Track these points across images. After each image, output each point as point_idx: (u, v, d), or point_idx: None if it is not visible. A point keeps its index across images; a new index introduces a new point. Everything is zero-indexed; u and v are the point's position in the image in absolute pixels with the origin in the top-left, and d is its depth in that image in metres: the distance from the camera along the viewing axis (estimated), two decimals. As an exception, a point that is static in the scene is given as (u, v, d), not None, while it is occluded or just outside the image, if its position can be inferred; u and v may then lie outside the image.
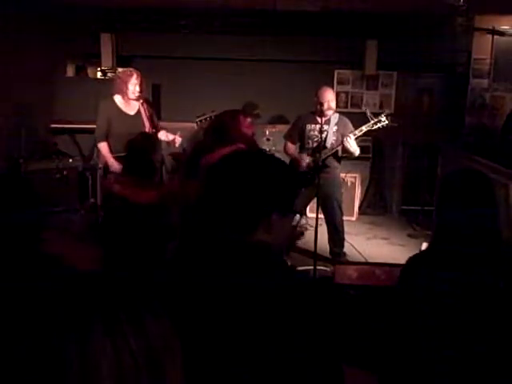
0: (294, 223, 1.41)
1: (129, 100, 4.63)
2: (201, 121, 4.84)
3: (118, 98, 4.65)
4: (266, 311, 1.19)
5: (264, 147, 6.00)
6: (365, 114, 5.07)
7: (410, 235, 6.02)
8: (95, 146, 5.46)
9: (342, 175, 5.64)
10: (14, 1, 5.97)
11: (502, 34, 6.52)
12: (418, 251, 2.00)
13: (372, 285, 3.72)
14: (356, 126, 4.88)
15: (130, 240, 3.27)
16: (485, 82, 6.76)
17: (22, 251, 1.85)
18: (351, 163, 6.03)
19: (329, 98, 4.84)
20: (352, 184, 6.66)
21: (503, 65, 6.61)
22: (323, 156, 4.79)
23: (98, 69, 7.17)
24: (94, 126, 4.72)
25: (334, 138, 4.88)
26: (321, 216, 4.76)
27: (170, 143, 4.77)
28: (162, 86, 6.99)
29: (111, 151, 4.63)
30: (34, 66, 6.39)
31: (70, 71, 7.52)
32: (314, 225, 4.62)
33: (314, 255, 4.52)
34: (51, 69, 6.85)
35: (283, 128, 5.28)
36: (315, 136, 4.91)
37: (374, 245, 5.77)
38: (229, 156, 1.41)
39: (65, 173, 6.41)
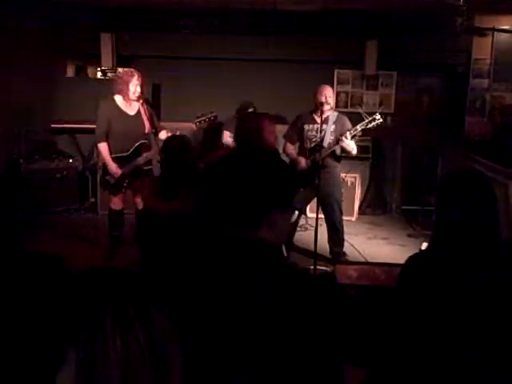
0: (293, 220, 1.45)
1: (129, 100, 4.63)
2: (200, 122, 4.84)
3: (118, 98, 4.65)
4: (270, 307, 1.20)
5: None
6: (361, 108, 5.08)
7: (410, 235, 6.02)
8: (95, 145, 5.46)
9: (342, 175, 5.64)
10: (14, 1, 5.97)
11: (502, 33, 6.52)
12: (417, 251, 2.00)
13: (372, 285, 3.72)
14: (355, 126, 4.89)
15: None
16: (485, 82, 6.76)
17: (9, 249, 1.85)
18: (351, 163, 6.03)
19: (326, 94, 4.84)
20: (352, 184, 6.65)
21: (503, 65, 6.61)
22: (322, 155, 4.79)
23: (98, 69, 7.17)
24: (94, 126, 4.71)
25: (332, 138, 4.87)
26: (321, 216, 4.75)
27: None
28: (162, 85, 7.00)
29: (111, 151, 4.63)
30: (34, 66, 6.39)
31: (70, 71, 7.52)
32: (314, 225, 4.62)
33: (314, 255, 4.52)
34: (51, 69, 6.85)
35: (283, 128, 5.27)
36: (313, 136, 4.91)
37: (374, 245, 5.76)
38: (231, 155, 1.42)
39: (65, 173, 6.42)
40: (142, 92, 4.65)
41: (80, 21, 6.55)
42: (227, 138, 6.11)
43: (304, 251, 5.27)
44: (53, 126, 6.64)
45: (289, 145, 5.12)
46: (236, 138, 3.63)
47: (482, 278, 1.65)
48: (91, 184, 6.62)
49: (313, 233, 4.67)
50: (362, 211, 6.92)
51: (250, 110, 6.05)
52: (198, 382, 1.22)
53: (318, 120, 4.83)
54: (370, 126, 4.77)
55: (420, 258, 1.84)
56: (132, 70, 4.78)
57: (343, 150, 4.88)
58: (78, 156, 6.74)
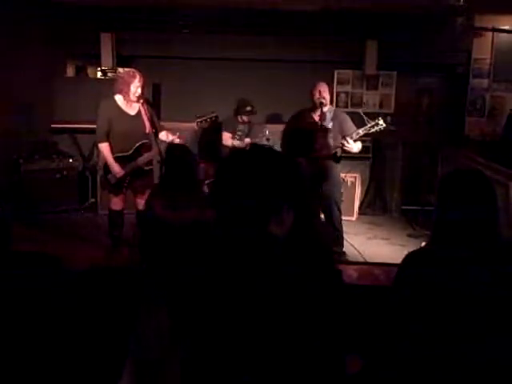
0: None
1: (130, 101, 4.62)
2: (201, 121, 4.83)
3: (118, 98, 4.65)
4: (273, 303, 1.21)
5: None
6: (364, 114, 5.04)
7: (409, 235, 6.01)
8: (95, 145, 5.46)
9: (342, 175, 5.63)
10: (14, 1, 5.98)
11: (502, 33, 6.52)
12: (417, 251, 2.00)
13: (372, 285, 3.72)
14: (356, 127, 4.87)
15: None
16: (485, 82, 6.76)
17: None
18: (351, 163, 6.03)
19: (320, 90, 4.80)
20: (352, 184, 6.65)
21: (503, 65, 6.61)
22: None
23: (98, 69, 7.16)
24: (94, 126, 4.70)
25: (331, 135, 4.84)
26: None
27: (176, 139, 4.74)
28: (162, 85, 7.00)
29: (112, 151, 4.62)
30: (34, 66, 6.39)
31: (70, 71, 7.52)
32: (314, 225, 4.62)
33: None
34: (51, 69, 6.85)
35: (283, 128, 5.27)
36: None
37: (374, 245, 5.76)
38: (242, 152, 1.44)
39: (65, 173, 6.41)
40: (142, 93, 4.64)
41: (80, 21, 6.55)
42: (227, 139, 6.11)
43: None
44: (53, 126, 6.64)
45: None
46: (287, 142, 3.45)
47: (482, 276, 1.65)
48: (91, 184, 6.62)
49: (313, 233, 4.67)
50: (362, 211, 6.92)
51: (248, 108, 6.05)
52: (198, 381, 1.23)
53: (317, 118, 4.82)
54: (372, 130, 4.71)
55: (418, 256, 1.84)
56: (134, 70, 4.76)
57: (346, 150, 4.85)
58: (78, 156, 6.74)
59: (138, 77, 4.56)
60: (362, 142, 4.98)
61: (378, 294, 3.41)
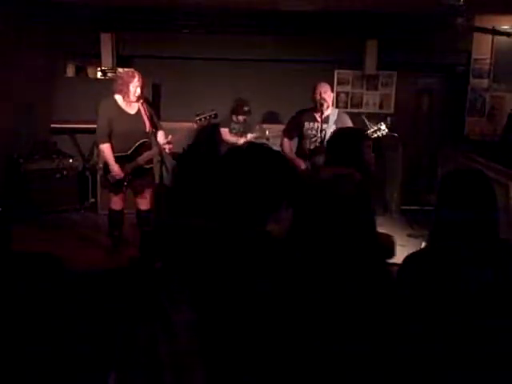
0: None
1: (129, 101, 4.62)
2: (200, 119, 4.83)
3: (118, 98, 4.65)
4: (272, 302, 1.22)
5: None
6: (366, 117, 5.00)
7: (409, 235, 6.01)
8: (95, 145, 5.45)
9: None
10: (14, 1, 5.98)
11: (501, 34, 6.52)
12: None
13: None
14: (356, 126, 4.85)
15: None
16: (485, 82, 6.76)
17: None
18: (351, 163, 6.01)
19: (322, 91, 4.71)
20: (352, 184, 6.64)
21: (503, 65, 6.62)
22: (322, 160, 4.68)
23: (98, 69, 7.16)
24: (94, 126, 4.70)
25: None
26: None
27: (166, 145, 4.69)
28: (162, 85, 7.00)
29: (112, 151, 4.61)
30: (33, 66, 6.39)
31: (70, 71, 7.52)
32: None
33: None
34: (51, 69, 6.85)
35: (282, 128, 5.26)
36: (313, 135, 4.79)
37: (374, 245, 5.75)
38: (239, 151, 1.44)
39: (65, 173, 6.41)
40: (142, 93, 4.63)
41: (80, 21, 6.55)
42: (227, 135, 6.10)
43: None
44: (53, 125, 6.64)
45: (286, 141, 4.98)
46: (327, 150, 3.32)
47: (482, 276, 1.65)
48: (91, 184, 6.62)
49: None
50: (362, 211, 6.91)
51: (246, 108, 6.04)
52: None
53: (319, 119, 4.77)
54: (374, 136, 4.58)
55: (418, 256, 1.84)
56: (133, 70, 4.76)
57: None
58: (78, 156, 6.74)
59: (136, 77, 4.55)
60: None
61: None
